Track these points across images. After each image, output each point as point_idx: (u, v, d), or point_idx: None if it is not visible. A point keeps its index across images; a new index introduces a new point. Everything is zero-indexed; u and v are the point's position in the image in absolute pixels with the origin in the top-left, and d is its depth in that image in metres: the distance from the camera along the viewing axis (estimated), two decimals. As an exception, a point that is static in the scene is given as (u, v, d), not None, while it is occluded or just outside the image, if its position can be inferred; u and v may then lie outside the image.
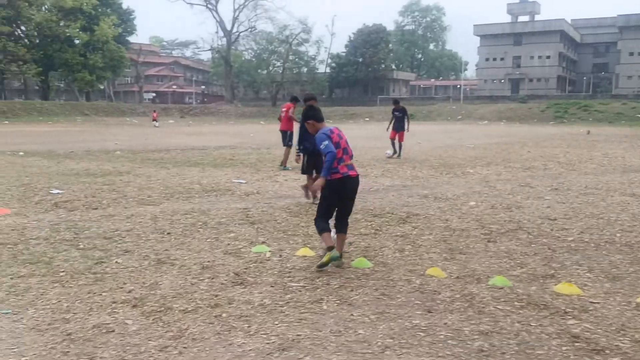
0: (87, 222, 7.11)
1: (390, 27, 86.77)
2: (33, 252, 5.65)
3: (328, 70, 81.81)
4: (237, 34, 77.09)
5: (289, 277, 4.90)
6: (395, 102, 17.10)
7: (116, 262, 5.33)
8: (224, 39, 77.82)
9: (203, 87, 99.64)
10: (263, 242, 6.09)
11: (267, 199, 9.21)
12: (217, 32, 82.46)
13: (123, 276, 4.89)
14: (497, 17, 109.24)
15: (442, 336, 3.65)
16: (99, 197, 9.11)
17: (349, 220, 5.32)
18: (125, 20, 71.26)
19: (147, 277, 4.87)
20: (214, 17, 75.30)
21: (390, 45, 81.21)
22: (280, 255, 5.57)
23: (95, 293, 4.44)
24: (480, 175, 12.23)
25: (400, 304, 4.25)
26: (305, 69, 78.99)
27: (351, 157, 5.16)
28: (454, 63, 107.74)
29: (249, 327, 3.80)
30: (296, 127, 13.47)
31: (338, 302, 4.28)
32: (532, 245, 6.01)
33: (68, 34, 62.49)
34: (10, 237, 6.28)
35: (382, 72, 78.54)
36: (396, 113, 16.48)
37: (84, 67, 64.02)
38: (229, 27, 75.99)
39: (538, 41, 77.76)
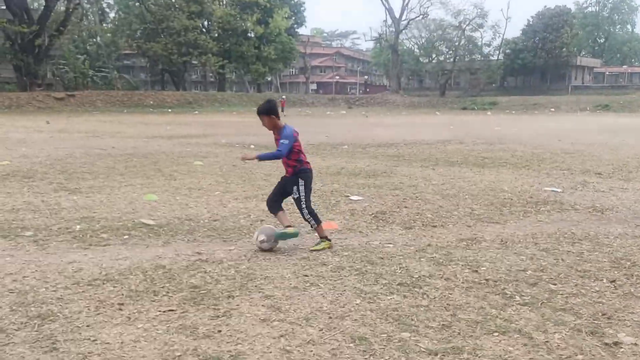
0: (459, 250, 5.23)
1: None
2: (458, 306, 3.79)
3: (501, 57, 75.91)
4: (405, 21, 74.55)
5: None
6: None
7: (634, 344, 3.27)
8: (391, 28, 75.82)
9: (366, 77, 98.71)
10: None
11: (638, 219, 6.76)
12: (385, 21, 79.96)
13: None
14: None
15: None
16: (413, 208, 7.31)
17: None
18: (296, 12, 72.19)
19: None
20: (383, 5, 73.48)
21: (573, 29, 73.02)
22: None
23: None
24: None
25: None
26: (478, 56, 73.89)
27: None
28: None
29: None
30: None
31: None
32: None
33: (244, 28, 64.61)
34: (391, 268, 4.55)
35: (564, 59, 70.81)
36: None
37: (257, 59, 65.82)
38: (397, 15, 73.85)
39: None
